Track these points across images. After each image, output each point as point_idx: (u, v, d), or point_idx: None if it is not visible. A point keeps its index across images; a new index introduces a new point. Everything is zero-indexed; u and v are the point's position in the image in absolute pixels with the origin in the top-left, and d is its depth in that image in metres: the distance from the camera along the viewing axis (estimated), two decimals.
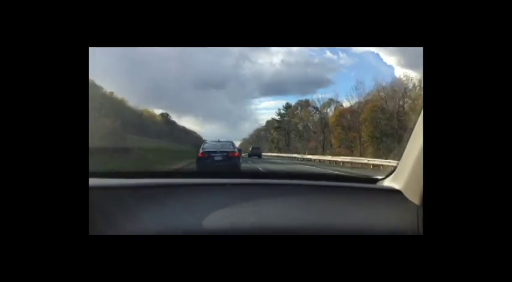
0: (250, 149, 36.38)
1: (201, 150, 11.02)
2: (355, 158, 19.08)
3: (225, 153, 10.78)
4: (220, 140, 12.47)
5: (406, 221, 0.98)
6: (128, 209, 0.90)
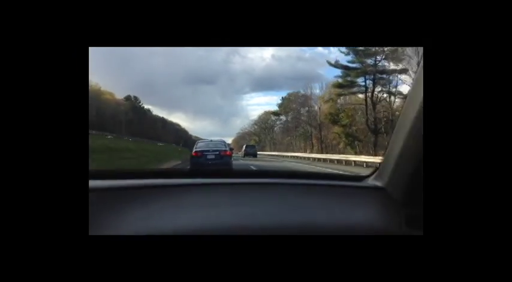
0: (244, 148, 32.28)
1: (194, 149, 11.63)
2: None
3: (217, 152, 11.42)
4: (213, 138, 13.04)
5: (389, 218, 1.00)
6: (119, 210, 0.89)
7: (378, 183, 1.07)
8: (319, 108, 37.02)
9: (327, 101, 33.18)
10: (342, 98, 31.03)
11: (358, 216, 1.00)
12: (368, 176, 1.16)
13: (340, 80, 29.60)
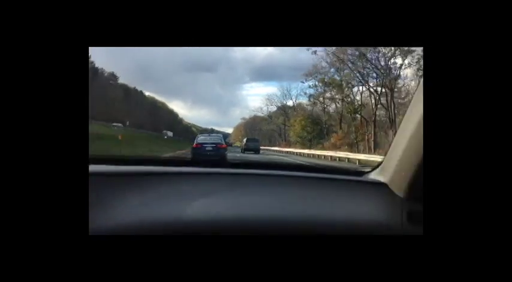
0: (245, 141, 28.31)
1: (195, 142, 14.24)
2: None
3: (215, 145, 13.92)
4: (210, 127, 15.74)
5: (390, 214, 1.00)
6: (120, 195, 0.91)
7: (380, 179, 1.08)
8: None
9: None
10: None
11: (359, 210, 1.01)
12: (369, 172, 1.17)
13: None
